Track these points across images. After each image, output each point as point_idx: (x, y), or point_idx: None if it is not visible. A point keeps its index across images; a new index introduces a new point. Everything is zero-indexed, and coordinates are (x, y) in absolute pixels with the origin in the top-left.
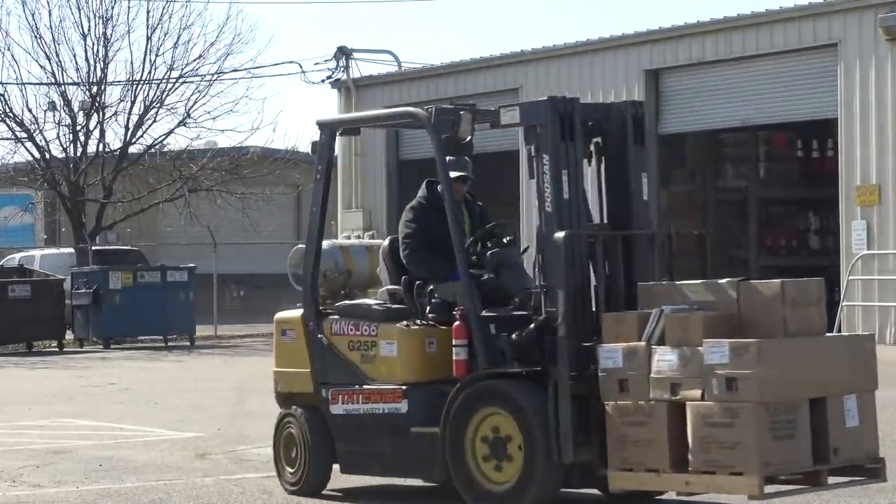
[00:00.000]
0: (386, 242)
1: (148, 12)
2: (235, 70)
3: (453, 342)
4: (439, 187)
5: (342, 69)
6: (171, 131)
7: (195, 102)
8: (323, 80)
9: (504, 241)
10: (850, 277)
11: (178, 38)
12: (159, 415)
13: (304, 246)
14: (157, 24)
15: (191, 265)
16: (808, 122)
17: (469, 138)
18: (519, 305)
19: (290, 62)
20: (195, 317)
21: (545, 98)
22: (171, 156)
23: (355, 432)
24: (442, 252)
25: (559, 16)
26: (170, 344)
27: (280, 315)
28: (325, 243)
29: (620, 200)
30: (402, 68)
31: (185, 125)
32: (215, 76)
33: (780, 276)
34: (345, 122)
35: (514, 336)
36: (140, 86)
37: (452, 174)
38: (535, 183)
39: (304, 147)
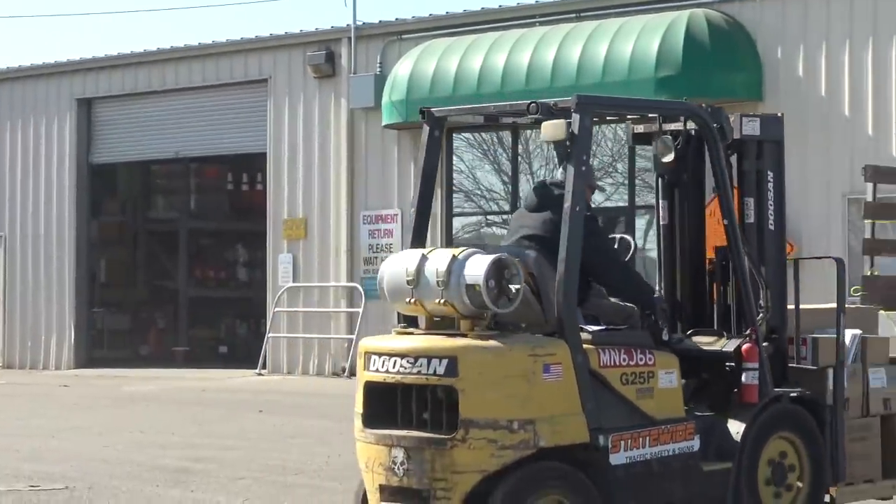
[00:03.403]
0: (534, 255)
1: None
2: None
3: (745, 365)
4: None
5: None
6: None
7: None
8: None
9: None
10: (276, 309)
11: None
12: None
13: (419, 252)
14: None
15: None
16: (238, 156)
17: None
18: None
19: None
20: None
21: (779, 114)
22: None
23: (641, 483)
24: None
25: None
26: None
27: (529, 343)
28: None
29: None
30: None
31: None
32: None
33: (210, 307)
34: (612, 104)
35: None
36: None
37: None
38: (753, 201)
39: None
